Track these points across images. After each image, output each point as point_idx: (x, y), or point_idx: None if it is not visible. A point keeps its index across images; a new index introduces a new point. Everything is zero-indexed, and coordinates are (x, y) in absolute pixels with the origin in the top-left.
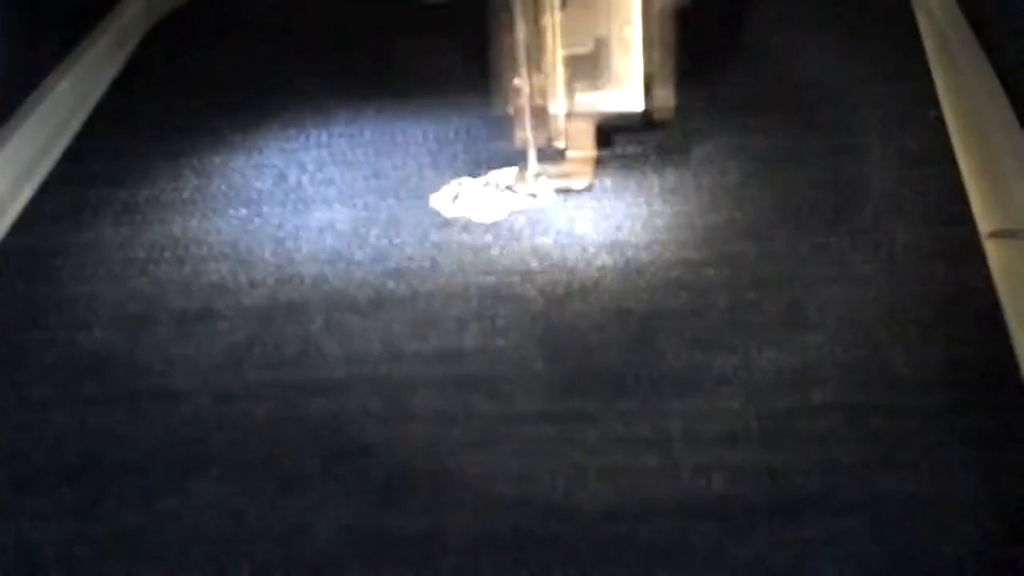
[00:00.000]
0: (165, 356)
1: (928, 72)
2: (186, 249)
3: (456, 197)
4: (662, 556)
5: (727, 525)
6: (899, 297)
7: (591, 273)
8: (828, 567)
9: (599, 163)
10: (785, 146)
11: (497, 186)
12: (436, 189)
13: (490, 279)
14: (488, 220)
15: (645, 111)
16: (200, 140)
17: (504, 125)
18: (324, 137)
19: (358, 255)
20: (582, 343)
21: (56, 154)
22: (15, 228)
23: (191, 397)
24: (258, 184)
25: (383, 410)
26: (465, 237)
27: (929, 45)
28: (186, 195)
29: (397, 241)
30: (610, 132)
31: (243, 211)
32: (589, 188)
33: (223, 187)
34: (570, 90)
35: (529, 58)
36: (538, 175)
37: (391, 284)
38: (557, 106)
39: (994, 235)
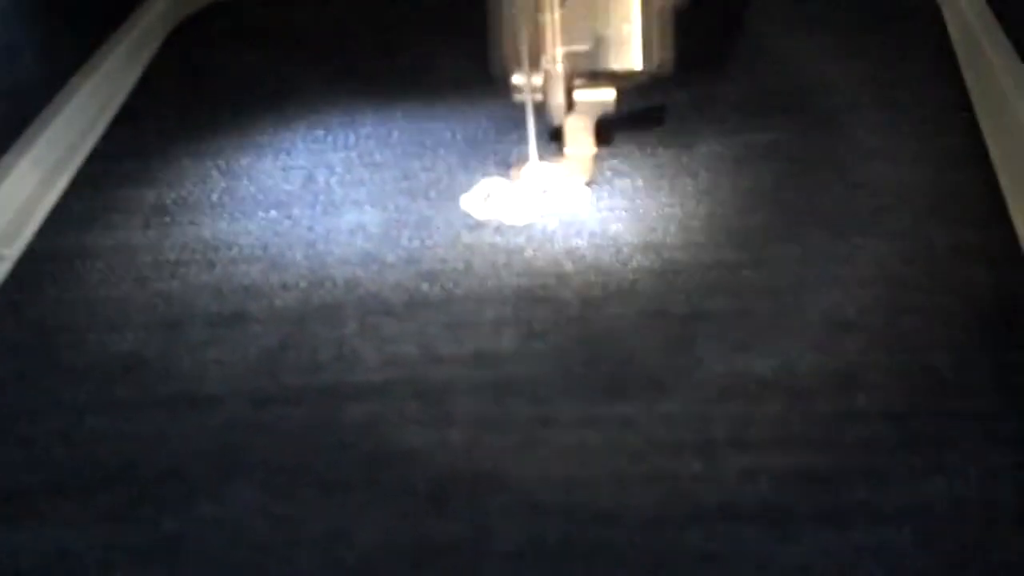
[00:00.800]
0: (198, 360)
1: (958, 74)
2: (216, 252)
3: (487, 198)
4: (709, 562)
5: (774, 531)
6: (940, 300)
7: (627, 275)
8: (876, 574)
9: (603, 161)
10: (817, 148)
11: (525, 187)
12: (466, 190)
13: (525, 281)
14: (520, 222)
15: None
16: (226, 141)
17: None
18: (351, 139)
19: (390, 257)
20: (621, 346)
21: (82, 156)
22: (43, 230)
23: (227, 401)
24: (287, 186)
25: (422, 415)
26: (498, 239)
27: (959, 47)
28: (214, 197)
29: (429, 243)
30: (643, 132)
31: (273, 213)
32: (589, 184)
33: (251, 189)
34: (570, 86)
35: (530, 55)
36: (540, 170)
37: (425, 286)
38: (557, 101)
39: None
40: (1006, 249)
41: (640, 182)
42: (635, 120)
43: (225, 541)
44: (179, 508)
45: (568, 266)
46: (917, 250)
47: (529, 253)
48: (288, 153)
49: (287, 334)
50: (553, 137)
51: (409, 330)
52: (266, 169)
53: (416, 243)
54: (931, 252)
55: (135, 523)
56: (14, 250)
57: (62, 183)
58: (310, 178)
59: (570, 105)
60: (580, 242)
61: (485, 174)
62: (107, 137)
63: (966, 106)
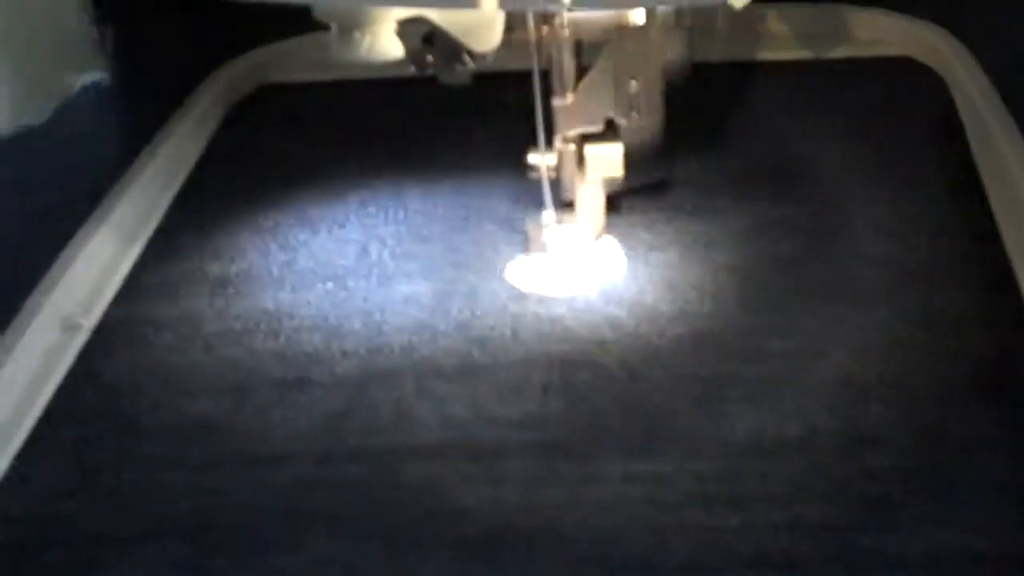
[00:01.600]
0: (266, 421)
1: (967, 154)
2: (279, 321)
3: (529, 270)
4: None
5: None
6: (948, 364)
7: (663, 343)
8: None
9: (638, 235)
10: (829, 222)
11: (567, 258)
12: (510, 261)
13: (567, 348)
14: (562, 293)
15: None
16: (283, 216)
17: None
18: (400, 214)
19: (442, 326)
20: (657, 409)
21: (150, 231)
22: (117, 300)
23: (293, 460)
24: (342, 259)
25: (476, 474)
26: (541, 309)
27: (969, 130)
28: (275, 270)
29: (478, 312)
30: (667, 206)
31: (330, 285)
32: (599, 246)
33: (309, 262)
34: (582, 164)
35: (546, 136)
36: (555, 241)
37: (476, 352)
38: (570, 177)
39: None
40: (1010, 315)
41: (674, 256)
42: (647, 191)
43: None
44: (250, 558)
45: (608, 335)
46: (926, 318)
47: (571, 322)
48: (342, 227)
49: (349, 397)
50: (567, 206)
51: (462, 393)
52: (322, 243)
53: (466, 313)
54: (939, 319)
55: (210, 568)
56: (91, 320)
57: (132, 257)
58: (364, 251)
59: (581, 170)
60: (619, 312)
61: (526, 247)
62: (172, 213)
63: (974, 184)
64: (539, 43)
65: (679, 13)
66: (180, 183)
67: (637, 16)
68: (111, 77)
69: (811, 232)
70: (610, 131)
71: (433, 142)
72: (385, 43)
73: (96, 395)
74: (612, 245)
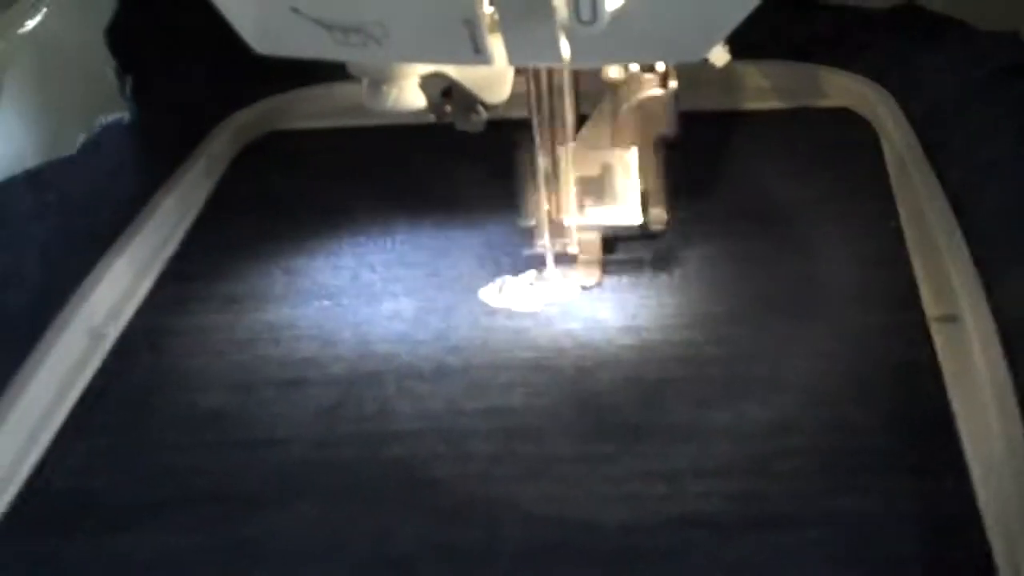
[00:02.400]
0: (269, 413)
1: (890, 191)
2: (280, 332)
3: (500, 291)
4: (668, 558)
5: (720, 535)
6: (859, 368)
7: (612, 350)
8: (797, 561)
9: (607, 265)
10: (768, 250)
11: (531, 283)
12: (483, 285)
13: (530, 354)
14: (527, 310)
15: (643, 223)
16: (285, 245)
17: (531, 234)
18: (389, 244)
19: (422, 336)
20: (606, 403)
21: (166, 256)
22: (138, 313)
23: (293, 444)
24: (336, 281)
25: (447, 453)
26: (509, 323)
27: (891, 169)
28: (277, 290)
29: (453, 325)
30: (617, 240)
31: (326, 303)
32: (598, 284)
33: (307, 283)
34: (581, 206)
35: (547, 179)
36: (555, 275)
37: (450, 358)
38: (570, 219)
39: (938, 319)
40: (916, 329)
41: (624, 279)
42: (632, 235)
43: (293, 541)
44: (256, 519)
45: (566, 343)
46: (846, 329)
47: (534, 333)
48: (337, 255)
49: (339, 394)
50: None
51: (437, 391)
52: (318, 268)
53: (443, 325)
54: (857, 330)
55: (221, 529)
56: (115, 330)
57: (151, 277)
58: (355, 275)
59: (581, 217)
60: (576, 325)
61: (499, 273)
62: (186, 242)
63: (894, 217)
64: (540, 96)
65: (666, 73)
66: (194, 215)
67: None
68: (131, 118)
69: (749, 260)
70: (607, 176)
71: (420, 183)
72: (409, 95)
73: (121, 392)
74: (571, 272)
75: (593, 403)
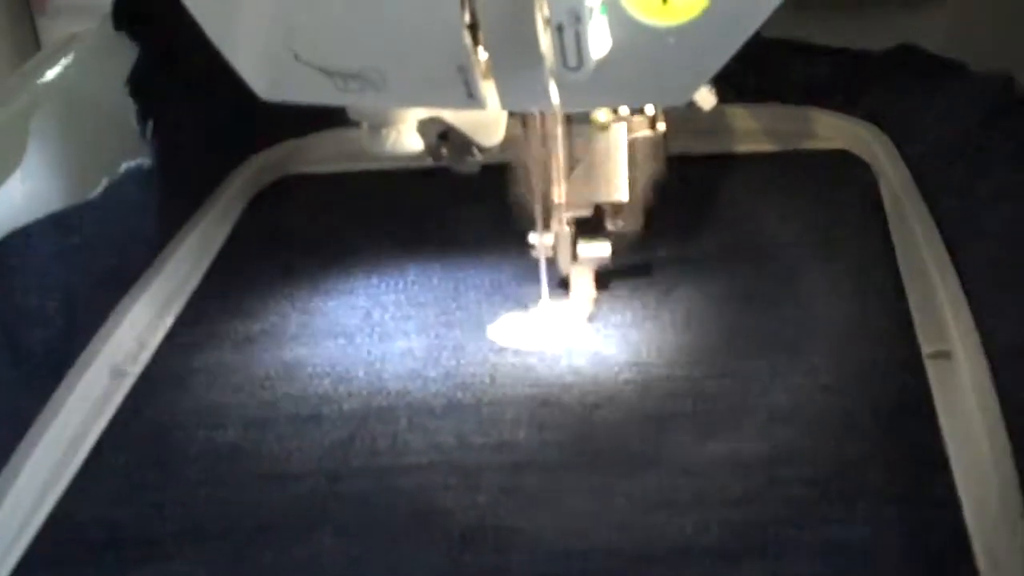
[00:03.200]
0: (285, 448)
1: (887, 231)
2: (295, 369)
3: (508, 330)
4: None
5: (721, 562)
6: (856, 400)
7: (617, 386)
8: None
9: (605, 301)
10: (766, 288)
11: (537, 322)
12: (492, 323)
13: (537, 391)
14: (534, 348)
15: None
16: (300, 285)
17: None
18: (401, 284)
19: (432, 373)
20: (610, 437)
21: (186, 296)
22: (158, 352)
23: (308, 477)
24: (350, 320)
25: (457, 485)
26: (516, 360)
27: (889, 213)
28: (292, 329)
29: (463, 362)
30: (610, 275)
31: (339, 340)
32: (590, 319)
33: (321, 322)
34: (573, 243)
35: (542, 219)
36: (551, 311)
37: (460, 394)
38: (564, 257)
39: (931, 356)
40: (910, 364)
41: (629, 316)
42: (628, 271)
43: (311, 570)
44: (274, 550)
45: (571, 379)
46: (843, 363)
47: (541, 370)
48: (350, 295)
49: (353, 429)
50: (561, 284)
51: (447, 426)
52: (332, 307)
53: (453, 362)
54: (853, 365)
55: (240, 560)
56: (136, 367)
57: (171, 317)
58: (368, 314)
59: (575, 257)
60: (581, 362)
61: (507, 310)
62: (205, 282)
63: (891, 256)
64: (536, 140)
65: (654, 116)
66: (211, 257)
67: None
68: (152, 162)
69: (748, 299)
70: (598, 217)
71: (431, 225)
72: (407, 139)
73: (141, 428)
74: (578, 310)
75: (598, 438)
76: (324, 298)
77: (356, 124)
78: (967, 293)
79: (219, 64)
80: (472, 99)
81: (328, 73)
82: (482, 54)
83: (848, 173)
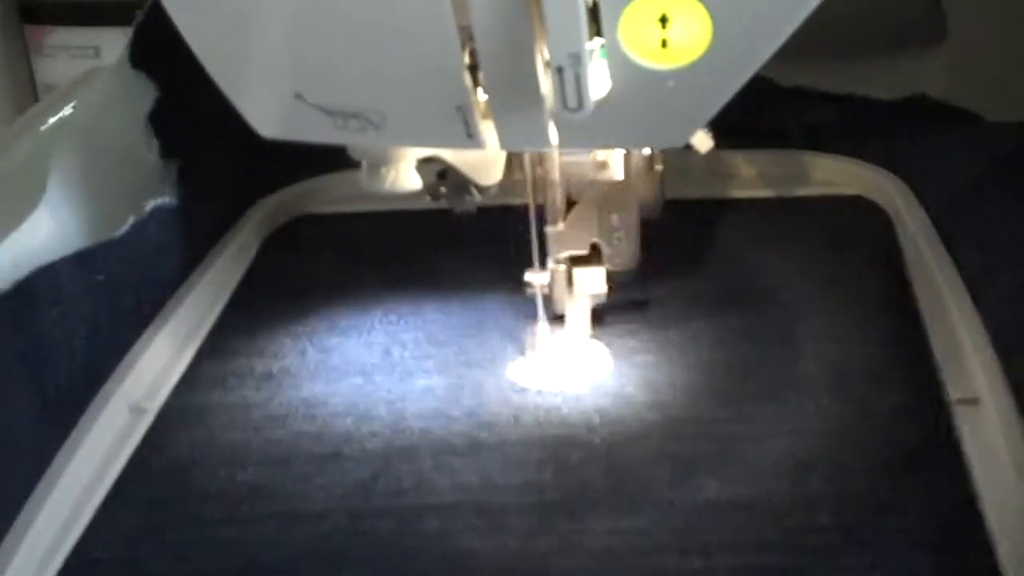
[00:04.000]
0: (305, 487)
1: (907, 279)
2: (315, 408)
3: (529, 369)
4: None
5: None
6: (882, 447)
7: (642, 427)
8: None
9: (605, 338)
10: (788, 333)
11: (559, 362)
12: (511, 361)
13: (561, 431)
14: (556, 388)
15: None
16: (318, 324)
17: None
18: (419, 322)
19: (455, 412)
20: (636, 479)
21: (203, 334)
22: (176, 390)
23: (329, 516)
24: (369, 359)
25: (483, 527)
26: (539, 400)
27: (909, 259)
28: (311, 367)
29: (485, 402)
30: (650, 320)
31: (359, 379)
32: (590, 351)
33: (340, 361)
34: (569, 282)
35: (540, 258)
36: (549, 347)
37: (483, 434)
38: (561, 294)
39: (959, 402)
40: (937, 410)
41: (651, 358)
42: (630, 308)
43: None
44: None
45: (596, 420)
46: (868, 410)
47: (564, 411)
48: (368, 333)
49: (376, 469)
50: (559, 318)
51: (472, 466)
52: (351, 346)
53: (475, 402)
54: (872, 410)
55: None
56: (155, 404)
57: (189, 355)
58: (387, 352)
59: (571, 291)
60: (606, 402)
61: (527, 351)
62: (222, 320)
63: (909, 302)
64: (535, 182)
65: (651, 157)
66: (228, 295)
67: (616, 171)
68: (174, 201)
69: (769, 340)
70: (595, 255)
71: (448, 264)
72: (406, 177)
73: (160, 466)
74: (600, 350)
75: (625, 480)
76: (342, 337)
77: (356, 165)
78: (992, 338)
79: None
80: (471, 139)
81: (329, 112)
82: (481, 95)
83: (865, 218)
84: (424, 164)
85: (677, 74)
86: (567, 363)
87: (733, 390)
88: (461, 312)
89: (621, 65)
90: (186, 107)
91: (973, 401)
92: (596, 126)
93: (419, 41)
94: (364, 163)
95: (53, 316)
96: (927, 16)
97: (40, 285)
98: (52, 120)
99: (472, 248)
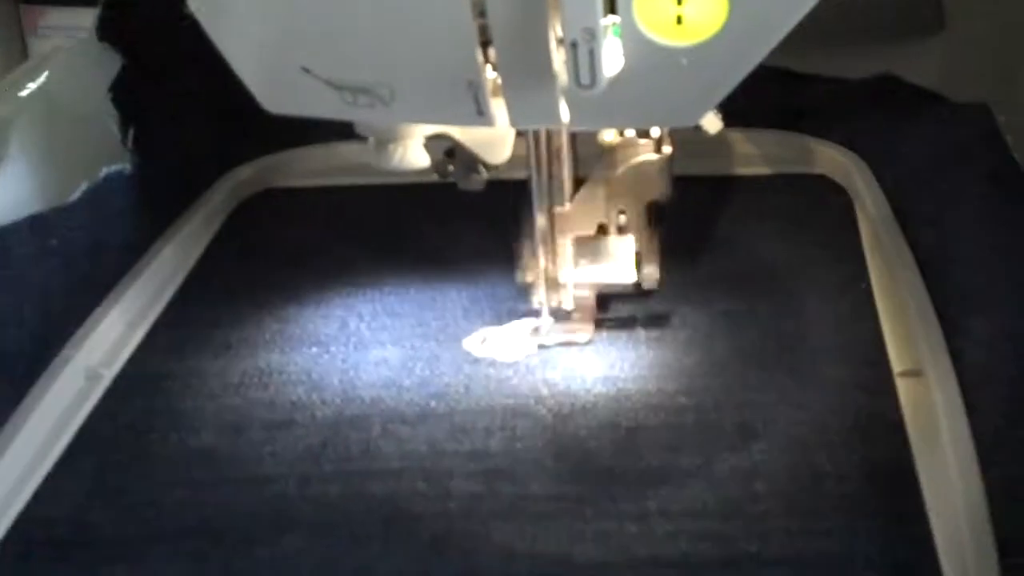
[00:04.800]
0: (258, 452)
1: (863, 256)
2: (270, 376)
3: (483, 341)
4: None
5: (687, 574)
6: (826, 418)
7: (589, 398)
8: None
9: (599, 323)
10: (744, 309)
11: (517, 335)
12: (467, 335)
13: (510, 401)
14: (509, 360)
15: (635, 283)
16: (277, 295)
17: (523, 289)
18: (377, 295)
19: (406, 382)
20: (581, 447)
21: (163, 304)
22: (133, 358)
23: (279, 481)
24: (325, 330)
25: (428, 491)
26: (491, 371)
27: (864, 237)
28: (268, 336)
29: (437, 372)
30: (607, 297)
31: (314, 349)
32: (590, 342)
33: (297, 331)
34: (576, 264)
35: (544, 239)
36: (549, 330)
37: (433, 403)
38: (566, 277)
39: (903, 374)
40: (882, 382)
41: (604, 334)
42: (627, 294)
43: (281, 573)
44: (244, 552)
45: (544, 391)
46: (816, 383)
47: (515, 382)
48: (327, 305)
49: (326, 436)
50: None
51: (420, 434)
52: (309, 316)
53: (427, 372)
54: (826, 384)
55: (210, 562)
56: (111, 371)
57: (148, 322)
58: (344, 324)
59: (576, 279)
60: (555, 375)
61: (483, 324)
62: (182, 291)
63: (866, 279)
64: (540, 159)
65: (660, 139)
66: (192, 264)
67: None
68: (132, 168)
69: (727, 316)
70: (600, 235)
71: (411, 239)
72: (414, 155)
73: (115, 431)
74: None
75: (569, 448)
76: (300, 307)
77: (342, 139)
78: (939, 313)
79: (204, 75)
80: (481, 116)
81: (336, 87)
82: (491, 72)
83: (825, 197)
84: (432, 141)
85: (691, 52)
86: (521, 336)
87: (685, 364)
88: (421, 285)
89: (635, 42)
90: (152, 79)
91: (916, 373)
92: (608, 104)
93: (431, 13)
94: (371, 140)
95: (3, 280)
96: (925, 6)
97: None
98: (16, 92)
99: (443, 225)
